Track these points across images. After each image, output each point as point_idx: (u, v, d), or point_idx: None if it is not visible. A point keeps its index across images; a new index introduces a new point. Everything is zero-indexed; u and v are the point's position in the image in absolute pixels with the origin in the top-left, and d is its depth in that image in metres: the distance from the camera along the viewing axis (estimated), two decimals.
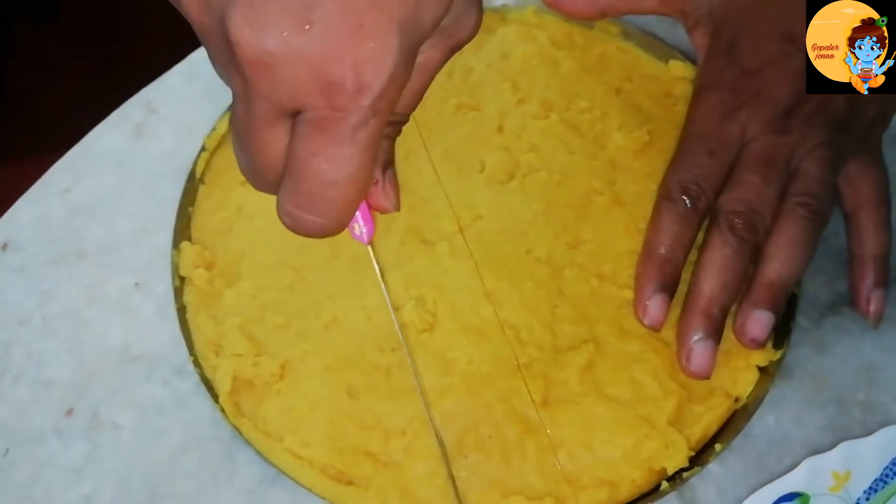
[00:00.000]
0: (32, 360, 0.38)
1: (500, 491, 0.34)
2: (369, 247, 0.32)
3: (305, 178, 0.24)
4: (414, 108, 0.28)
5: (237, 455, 0.35)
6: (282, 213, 0.25)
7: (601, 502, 0.34)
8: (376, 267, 0.33)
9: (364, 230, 0.31)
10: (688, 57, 0.45)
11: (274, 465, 0.35)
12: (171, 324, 0.38)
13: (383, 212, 0.31)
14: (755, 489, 0.33)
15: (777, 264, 0.35)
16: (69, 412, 0.37)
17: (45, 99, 1.06)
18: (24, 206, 0.42)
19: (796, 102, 0.36)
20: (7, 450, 0.36)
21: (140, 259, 0.40)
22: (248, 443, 0.35)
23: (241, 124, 0.24)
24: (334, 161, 0.23)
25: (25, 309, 0.39)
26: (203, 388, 0.36)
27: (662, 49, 0.46)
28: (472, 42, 0.45)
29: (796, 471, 0.33)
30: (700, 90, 0.39)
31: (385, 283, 0.38)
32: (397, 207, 0.31)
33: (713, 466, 0.35)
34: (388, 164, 0.30)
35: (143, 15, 1.13)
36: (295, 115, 0.23)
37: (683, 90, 0.44)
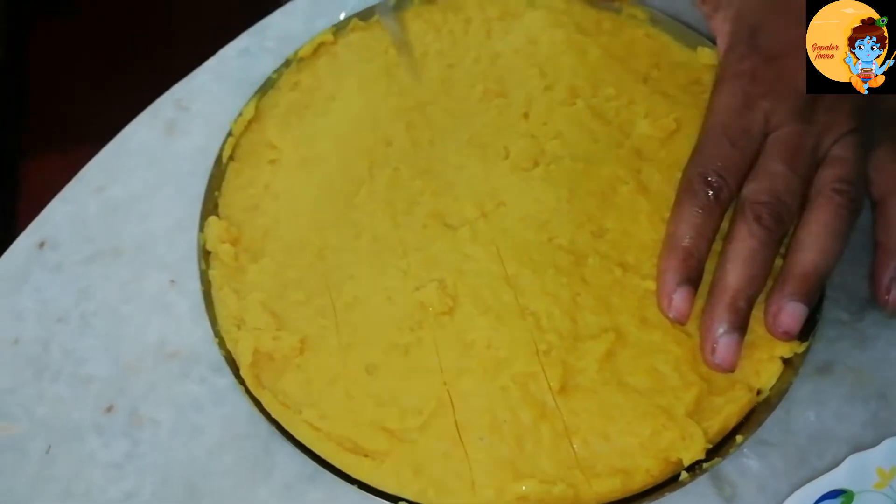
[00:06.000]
0: (71, 357, 0.39)
1: (513, 474, 0.34)
2: None
3: None
4: None
5: (275, 452, 0.36)
6: None
7: (614, 490, 0.34)
8: None
9: None
10: (717, 44, 0.44)
11: (290, 431, 0.35)
12: (206, 321, 0.38)
13: None
14: (797, 486, 0.33)
15: (812, 254, 0.34)
16: (109, 409, 0.37)
17: (69, 94, 1.07)
18: (60, 205, 0.43)
19: None
20: (49, 447, 0.36)
21: (175, 256, 0.41)
22: (285, 438, 0.35)
23: None
24: None
25: (63, 307, 0.40)
26: (239, 386, 0.37)
27: (691, 36, 0.45)
28: (499, 27, 0.46)
29: (840, 468, 0.33)
30: (722, 78, 0.38)
31: (406, 264, 0.38)
32: None
33: (753, 463, 0.34)
34: None
35: (163, 6, 1.13)
36: None
37: (712, 77, 0.43)
